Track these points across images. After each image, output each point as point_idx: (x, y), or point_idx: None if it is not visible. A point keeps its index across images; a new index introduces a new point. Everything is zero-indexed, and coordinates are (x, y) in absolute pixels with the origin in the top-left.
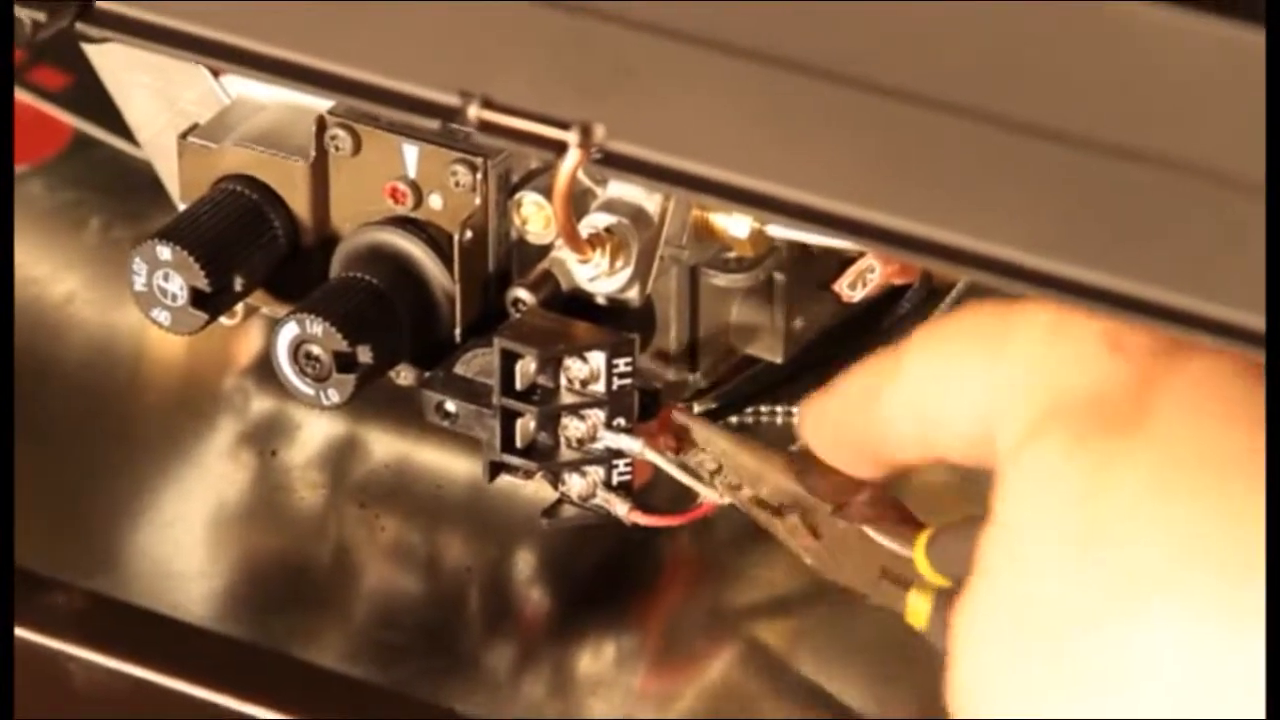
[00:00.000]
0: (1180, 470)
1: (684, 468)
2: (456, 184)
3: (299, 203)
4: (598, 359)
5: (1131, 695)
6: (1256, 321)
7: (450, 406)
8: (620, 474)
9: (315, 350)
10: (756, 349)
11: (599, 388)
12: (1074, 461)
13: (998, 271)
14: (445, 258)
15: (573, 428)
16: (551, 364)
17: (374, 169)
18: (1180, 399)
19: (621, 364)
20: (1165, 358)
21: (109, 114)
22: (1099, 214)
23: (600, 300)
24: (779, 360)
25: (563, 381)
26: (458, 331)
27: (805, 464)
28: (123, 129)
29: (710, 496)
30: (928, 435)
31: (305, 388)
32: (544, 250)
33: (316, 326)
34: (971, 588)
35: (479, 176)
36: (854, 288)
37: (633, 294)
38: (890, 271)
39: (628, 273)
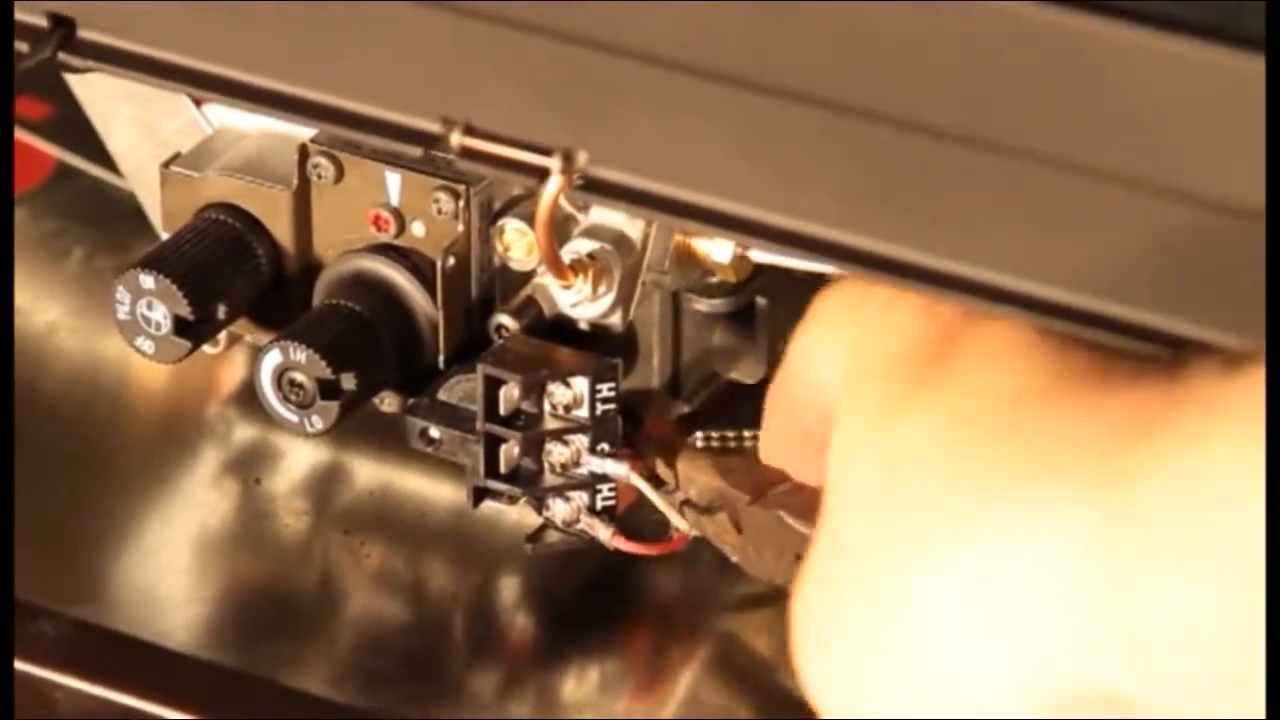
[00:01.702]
0: (973, 412)
1: (665, 496)
2: (439, 211)
3: (282, 231)
4: (581, 384)
5: (921, 627)
6: (1255, 347)
7: (434, 432)
8: (604, 499)
9: (299, 377)
10: (740, 373)
11: (582, 413)
12: (880, 412)
13: (983, 296)
14: (428, 285)
15: (556, 453)
16: (535, 389)
17: (356, 197)
18: (979, 349)
19: (605, 389)
20: (974, 315)
21: (91, 144)
22: (1089, 239)
23: (583, 326)
24: None
25: (546, 407)
26: (441, 358)
27: (729, 462)
28: (105, 159)
29: (681, 527)
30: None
31: (289, 415)
32: (527, 277)
33: (300, 354)
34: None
35: (462, 204)
36: None
37: (615, 319)
38: None
39: (610, 298)
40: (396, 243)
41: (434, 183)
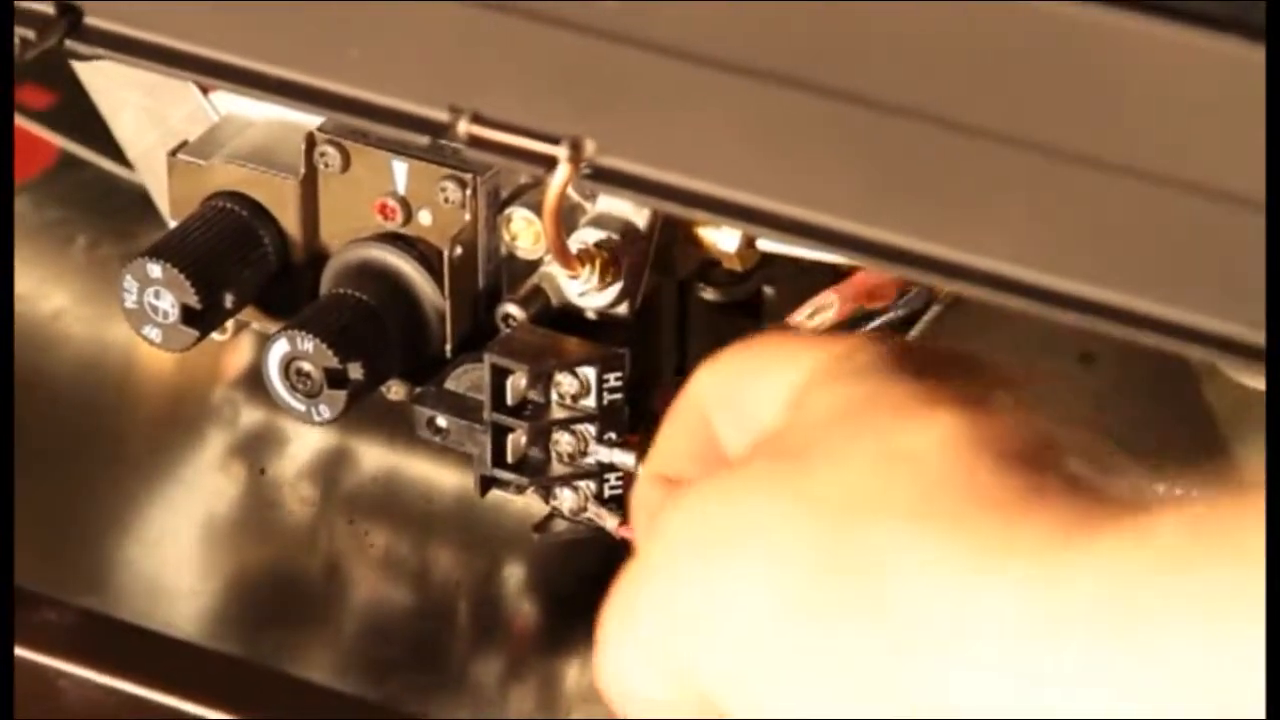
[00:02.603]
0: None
1: None
2: (446, 200)
3: (289, 219)
4: (588, 373)
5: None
6: (1256, 336)
7: (441, 421)
8: (611, 488)
9: (306, 366)
10: None
11: (590, 402)
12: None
13: (989, 285)
14: (435, 274)
15: (564, 442)
16: (542, 379)
17: (363, 185)
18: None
19: (612, 378)
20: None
21: (95, 132)
22: (1091, 229)
23: (590, 315)
24: None
25: (553, 396)
26: (448, 347)
27: None
28: (109, 147)
29: None
30: None
31: (296, 404)
32: (534, 266)
33: (307, 343)
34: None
35: (468, 192)
36: (811, 320)
37: (623, 309)
38: (850, 307)
39: (617, 287)
40: (403, 231)
41: (441, 171)
